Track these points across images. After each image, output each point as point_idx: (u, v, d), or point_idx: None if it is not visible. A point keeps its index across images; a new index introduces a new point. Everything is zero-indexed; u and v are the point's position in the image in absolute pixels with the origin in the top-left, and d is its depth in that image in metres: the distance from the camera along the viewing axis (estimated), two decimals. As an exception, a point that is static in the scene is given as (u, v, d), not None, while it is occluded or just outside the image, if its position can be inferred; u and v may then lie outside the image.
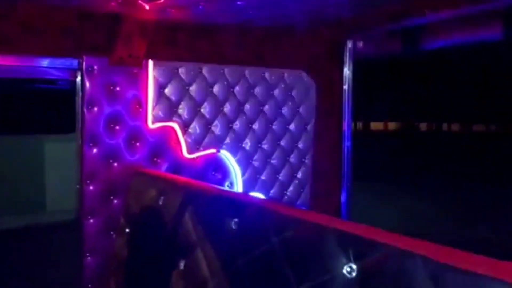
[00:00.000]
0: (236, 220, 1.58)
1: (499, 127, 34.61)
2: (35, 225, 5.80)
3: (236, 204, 1.63)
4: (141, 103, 2.41)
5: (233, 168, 2.68)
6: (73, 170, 2.40)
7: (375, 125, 33.85)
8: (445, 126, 34.32)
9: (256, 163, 2.77)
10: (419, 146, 19.98)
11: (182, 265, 1.81)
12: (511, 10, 1.90)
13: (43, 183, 6.28)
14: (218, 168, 2.65)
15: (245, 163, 2.73)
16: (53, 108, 6.24)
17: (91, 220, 2.33)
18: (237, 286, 1.47)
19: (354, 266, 1.16)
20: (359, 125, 29.23)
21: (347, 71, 2.95)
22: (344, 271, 1.17)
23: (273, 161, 2.83)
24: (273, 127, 2.82)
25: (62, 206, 5.43)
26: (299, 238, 1.32)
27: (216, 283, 1.58)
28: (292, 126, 2.87)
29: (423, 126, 34.85)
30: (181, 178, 2.21)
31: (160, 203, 2.04)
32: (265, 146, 2.80)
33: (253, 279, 1.42)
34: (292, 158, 2.90)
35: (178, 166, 2.52)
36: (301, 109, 2.89)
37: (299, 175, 2.93)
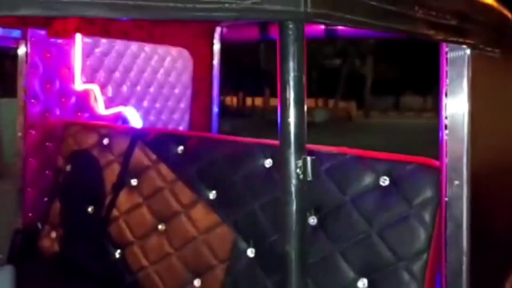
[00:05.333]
0: (181, 147, 2.46)
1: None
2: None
3: (180, 137, 2.50)
4: (70, 69, 3.03)
5: (136, 122, 3.46)
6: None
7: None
8: (249, 100, 37.60)
9: (152, 118, 3.59)
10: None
11: (134, 182, 2.60)
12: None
13: None
14: (125, 121, 3.40)
15: (145, 118, 3.53)
16: None
17: (31, 160, 2.91)
18: (192, 184, 2.37)
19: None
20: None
21: (216, 51, 3.92)
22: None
23: (163, 117, 3.68)
24: (163, 90, 3.66)
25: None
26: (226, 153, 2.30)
27: (172, 188, 2.44)
28: (176, 91, 3.75)
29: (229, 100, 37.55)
30: (119, 125, 2.94)
31: (105, 143, 2.77)
32: (157, 106, 3.63)
33: (202, 177, 2.34)
34: (176, 116, 3.78)
35: (97, 119, 3.21)
36: (182, 77, 3.77)
37: (180, 129, 3.83)
